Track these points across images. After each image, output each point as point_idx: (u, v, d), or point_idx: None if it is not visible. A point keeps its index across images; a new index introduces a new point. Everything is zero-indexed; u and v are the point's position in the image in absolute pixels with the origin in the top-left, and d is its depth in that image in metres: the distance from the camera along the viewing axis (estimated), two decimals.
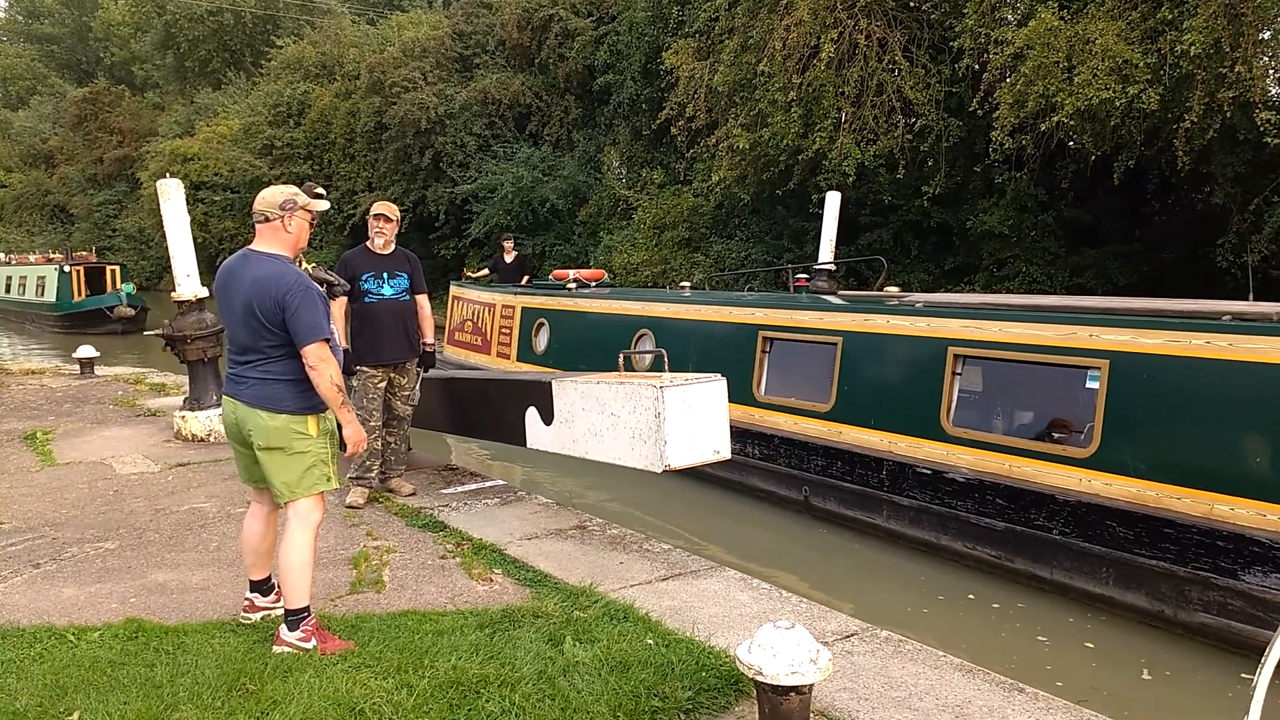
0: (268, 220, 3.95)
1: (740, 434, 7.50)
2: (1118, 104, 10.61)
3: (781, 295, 9.19)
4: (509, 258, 14.14)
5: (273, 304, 3.77)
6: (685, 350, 8.87)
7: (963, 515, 6.33)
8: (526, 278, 13.74)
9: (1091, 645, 5.45)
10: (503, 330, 11.96)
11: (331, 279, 4.69)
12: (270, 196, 3.99)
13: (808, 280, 10.39)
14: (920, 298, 8.03)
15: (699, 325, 9.04)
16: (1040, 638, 5.57)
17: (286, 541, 3.92)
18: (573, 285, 11.49)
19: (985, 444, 6.30)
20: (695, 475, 8.12)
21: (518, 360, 11.56)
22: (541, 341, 11.11)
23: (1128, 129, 11.34)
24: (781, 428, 7.79)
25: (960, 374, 6.61)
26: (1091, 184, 14.04)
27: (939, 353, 6.67)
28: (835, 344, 7.44)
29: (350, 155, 30.21)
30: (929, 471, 6.53)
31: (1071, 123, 11.28)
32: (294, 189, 4.09)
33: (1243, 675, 4.85)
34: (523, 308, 11.64)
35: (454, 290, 13.94)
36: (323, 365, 3.79)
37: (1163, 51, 10.54)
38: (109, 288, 28.54)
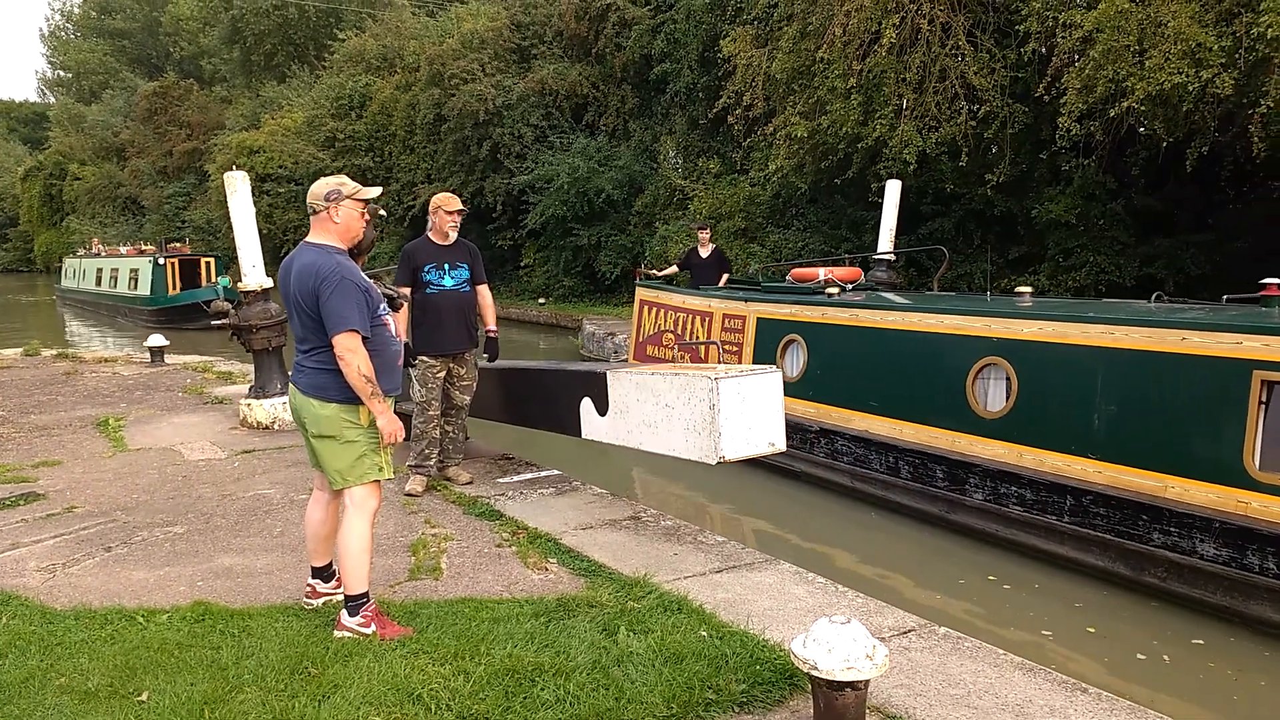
0: (315, 212, 4.05)
1: (1231, 535, 5.19)
2: (1190, 89, 10.28)
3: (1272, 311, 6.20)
4: (705, 251, 11.87)
5: (310, 293, 3.87)
6: (1081, 394, 6.09)
7: None
8: (726, 276, 11.61)
9: (1093, 630, 5.47)
10: (727, 347, 9.43)
11: (391, 293, 4.74)
12: (317, 188, 4.07)
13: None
14: None
15: (1108, 356, 6.00)
16: (1045, 632, 5.54)
17: (344, 529, 4.00)
18: (834, 290, 8.86)
19: None
20: (759, 465, 7.94)
21: None
22: (794, 365, 8.60)
23: (1201, 114, 10.98)
24: None
25: None
26: (1163, 171, 13.64)
27: None
28: None
29: (410, 147, 30.56)
30: None
31: (1142, 108, 10.96)
32: (341, 179, 4.14)
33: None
34: (758, 318, 9.13)
35: (641, 294, 11.55)
36: (350, 355, 3.83)
37: (1238, 34, 10.18)
38: (203, 281, 28.19)
